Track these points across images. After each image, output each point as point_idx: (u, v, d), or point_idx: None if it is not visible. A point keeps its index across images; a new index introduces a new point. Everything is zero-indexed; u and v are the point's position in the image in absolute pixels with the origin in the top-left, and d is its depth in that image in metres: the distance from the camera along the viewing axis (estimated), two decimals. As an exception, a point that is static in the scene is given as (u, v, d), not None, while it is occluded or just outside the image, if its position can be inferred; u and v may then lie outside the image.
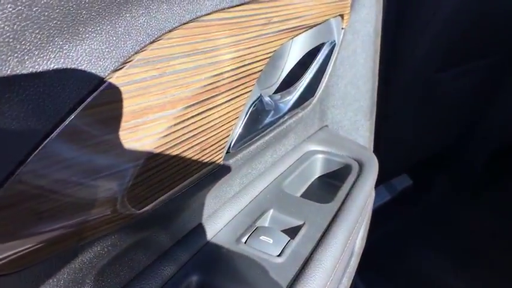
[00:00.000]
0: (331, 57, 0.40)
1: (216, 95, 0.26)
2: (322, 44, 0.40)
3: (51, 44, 0.17)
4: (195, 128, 0.25)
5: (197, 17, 0.23)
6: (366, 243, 0.58)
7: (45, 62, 0.17)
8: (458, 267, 1.21)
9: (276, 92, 0.36)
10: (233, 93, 0.27)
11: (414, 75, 1.01)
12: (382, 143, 1.11)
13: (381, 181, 1.43)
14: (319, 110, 0.51)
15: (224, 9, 0.25)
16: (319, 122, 0.53)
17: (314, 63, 0.38)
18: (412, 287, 1.14)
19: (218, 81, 0.25)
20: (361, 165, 0.46)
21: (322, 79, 0.41)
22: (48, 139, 0.18)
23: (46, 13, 0.16)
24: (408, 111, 1.12)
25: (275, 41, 0.30)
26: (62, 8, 0.17)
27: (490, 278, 1.11)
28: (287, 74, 0.36)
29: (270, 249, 0.33)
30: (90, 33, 0.18)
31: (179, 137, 0.24)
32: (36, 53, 0.17)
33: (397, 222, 1.44)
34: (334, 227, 0.35)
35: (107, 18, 0.19)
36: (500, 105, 1.37)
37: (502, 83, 1.31)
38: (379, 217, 1.42)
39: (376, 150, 1.13)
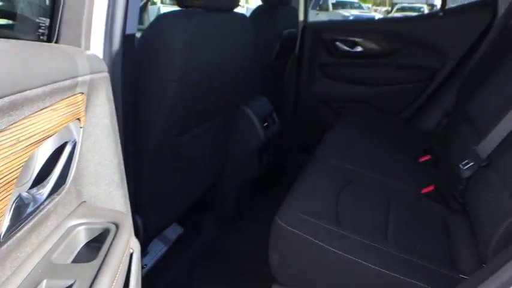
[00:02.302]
0: (75, 151, 0.52)
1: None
2: (66, 142, 0.52)
3: None
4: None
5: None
6: None
7: None
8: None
9: (32, 186, 0.46)
10: (-4, 198, 0.37)
11: (160, 141, 1.21)
12: (147, 204, 1.28)
13: (156, 235, 1.59)
14: (74, 190, 0.62)
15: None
16: (77, 200, 0.64)
17: (61, 159, 0.50)
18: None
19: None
20: (117, 226, 0.59)
21: (71, 169, 0.52)
22: None
23: None
24: (163, 170, 1.32)
25: (25, 153, 0.41)
26: None
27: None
28: (39, 171, 0.47)
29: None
30: None
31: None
32: None
33: (178, 268, 1.62)
34: (99, 278, 0.47)
35: None
36: (231, 153, 1.75)
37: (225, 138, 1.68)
38: (160, 268, 1.57)
39: (144, 209, 1.29)
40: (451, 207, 1.36)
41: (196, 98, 1.22)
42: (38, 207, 0.46)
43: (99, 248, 0.56)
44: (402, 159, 1.71)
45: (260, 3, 2.13)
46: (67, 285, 0.46)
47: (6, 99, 0.39)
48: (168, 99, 1.11)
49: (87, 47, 0.69)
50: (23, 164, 0.40)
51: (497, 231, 0.99)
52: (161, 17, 1.13)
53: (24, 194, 0.44)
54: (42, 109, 0.46)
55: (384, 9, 25.08)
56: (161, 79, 1.07)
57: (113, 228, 0.59)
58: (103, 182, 0.69)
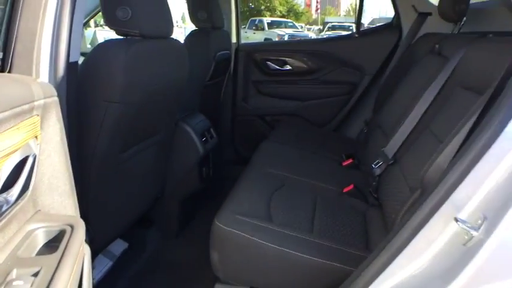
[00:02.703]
0: (35, 164, 0.62)
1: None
2: (28, 156, 0.62)
3: None
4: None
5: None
6: None
7: None
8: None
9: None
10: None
11: (104, 158, 1.29)
12: (92, 218, 1.35)
13: (100, 250, 1.65)
14: (31, 200, 0.71)
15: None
16: (34, 208, 0.73)
17: (24, 170, 0.60)
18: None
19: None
20: (72, 227, 0.69)
21: (32, 179, 0.62)
22: None
23: None
24: (108, 187, 1.39)
25: (-1, 163, 0.51)
26: None
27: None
28: (5, 180, 0.57)
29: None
30: None
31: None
32: None
33: (123, 282, 1.68)
34: (62, 265, 0.58)
35: None
36: (172, 167, 1.86)
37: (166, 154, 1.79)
38: (107, 283, 1.63)
39: (88, 224, 1.36)
40: (368, 202, 1.57)
41: (137, 117, 1.32)
42: (3, 211, 0.55)
43: (57, 247, 0.66)
44: (328, 164, 1.92)
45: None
46: (34, 272, 0.56)
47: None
48: (110, 118, 1.21)
49: (37, 75, 0.79)
50: None
51: (397, 217, 1.20)
52: (102, 45, 1.24)
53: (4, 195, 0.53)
54: (8, 129, 0.56)
55: (316, 27, 26.38)
56: (104, 101, 1.17)
57: (68, 229, 0.68)
58: (56, 192, 0.78)
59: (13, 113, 0.57)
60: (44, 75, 0.83)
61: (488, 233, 0.77)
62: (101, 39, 3.63)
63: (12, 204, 0.57)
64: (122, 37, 1.28)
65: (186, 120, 1.91)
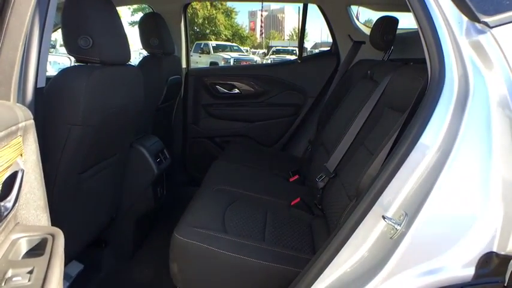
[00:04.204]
0: (23, 178, 0.71)
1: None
2: (17, 171, 0.70)
3: None
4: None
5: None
6: None
7: None
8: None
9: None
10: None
11: (64, 178, 1.35)
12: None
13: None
14: (14, 214, 0.78)
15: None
16: (14, 221, 0.80)
17: (16, 184, 0.68)
18: None
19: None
20: (53, 235, 0.77)
21: (20, 192, 0.70)
22: None
23: None
24: (66, 207, 1.44)
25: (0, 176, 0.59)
26: None
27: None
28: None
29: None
30: None
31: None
32: None
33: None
34: (51, 265, 0.66)
35: None
36: (128, 187, 1.92)
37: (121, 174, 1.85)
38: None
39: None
40: (313, 213, 1.73)
41: (96, 138, 1.40)
42: (5, 216, 0.63)
43: (40, 254, 0.73)
44: (276, 180, 2.07)
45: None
46: (28, 271, 0.63)
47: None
48: (72, 140, 1.28)
49: (15, 101, 0.87)
50: (0, 183, 0.57)
51: (338, 223, 1.36)
52: (65, 71, 1.31)
53: (3, 204, 0.61)
54: (4, 146, 0.64)
55: (261, 51, 27.16)
56: (66, 123, 1.25)
57: (50, 237, 0.76)
58: (32, 207, 0.85)
59: (7, 133, 0.65)
60: (17, 100, 0.91)
61: (409, 226, 0.95)
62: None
63: (9, 212, 0.64)
64: (82, 64, 1.36)
65: (141, 141, 1.99)
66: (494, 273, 0.96)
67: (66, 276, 1.74)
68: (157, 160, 2.02)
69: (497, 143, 0.94)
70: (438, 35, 0.98)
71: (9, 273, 0.63)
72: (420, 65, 1.36)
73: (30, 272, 0.63)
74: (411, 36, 2.19)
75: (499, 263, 0.96)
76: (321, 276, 1.06)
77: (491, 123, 0.94)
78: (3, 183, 0.65)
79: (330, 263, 1.06)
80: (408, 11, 1.05)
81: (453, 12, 0.98)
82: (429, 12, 0.99)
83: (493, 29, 0.95)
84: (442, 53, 0.97)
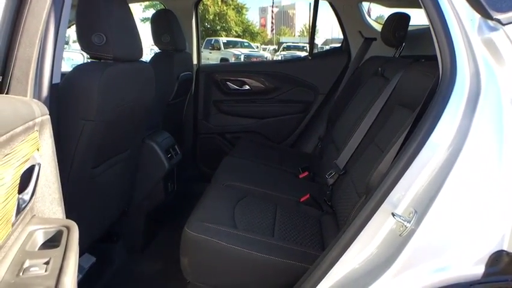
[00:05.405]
0: (40, 172, 0.73)
1: None
2: (35, 165, 0.72)
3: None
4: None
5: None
6: None
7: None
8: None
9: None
10: None
11: (79, 172, 1.38)
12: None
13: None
14: (30, 207, 0.80)
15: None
16: (31, 214, 0.82)
17: (33, 177, 0.70)
18: None
19: None
20: (68, 228, 0.79)
21: (37, 184, 0.72)
22: None
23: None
24: (79, 201, 1.46)
25: (20, 169, 0.61)
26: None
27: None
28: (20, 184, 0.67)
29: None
30: None
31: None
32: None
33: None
34: (67, 256, 0.68)
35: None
36: (139, 182, 1.95)
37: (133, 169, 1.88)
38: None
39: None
40: (323, 210, 1.73)
41: (109, 134, 1.42)
42: (24, 207, 0.65)
43: (56, 245, 0.75)
44: (286, 176, 2.08)
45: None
46: (44, 262, 0.65)
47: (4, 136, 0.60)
48: (86, 135, 1.30)
49: (31, 96, 0.89)
50: (19, 176, 0.59)
51: (348, 221, 1.36)
52: (79, 68, 1.34)
53: (21, 196, 0.63)
54: (22, 141, 0.66)
55: (271, 47, 27.09)
56: (80, 119, 1.27)
57: (65, 229, 0.78)
58: (48, 200, 0.87)
59: (24, 128, 0.67)
60: (34, 95, 0.93)
61: (418, 223, 0.95)
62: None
63: (27, 204, 0.66)
64: (96, 60, 1.38)
65: (152, 137, 2.01)
66: (504, 271, 0.96)
67: (79, 268, 1.77)
68: (168, 155, 2.05)
69: (508, 141, 0.94)
70: (450, 32, 0.97)
71: (27, 264, 0.65)
72: (431, 62, 1.36)
73: (47, 263, 0.65)
74: (423, 33, 2.17)
75: (509, 262, 0.96)
76: (330, 272, 1.07)
77: (503, 121, 0.94)
78: (21, 177, 0.67)
79: (338, 260, 1.06)
80: (420, 7, 1.05)
81: (465, 9, 0.97)
82: (441, 9, 0.98)
83: (506, 26, 0.94)
84: (454, 50, 0.97)
